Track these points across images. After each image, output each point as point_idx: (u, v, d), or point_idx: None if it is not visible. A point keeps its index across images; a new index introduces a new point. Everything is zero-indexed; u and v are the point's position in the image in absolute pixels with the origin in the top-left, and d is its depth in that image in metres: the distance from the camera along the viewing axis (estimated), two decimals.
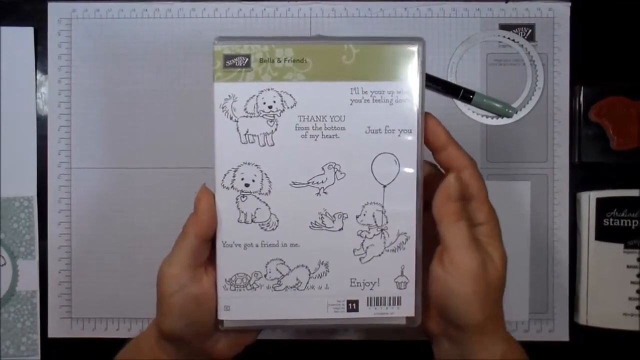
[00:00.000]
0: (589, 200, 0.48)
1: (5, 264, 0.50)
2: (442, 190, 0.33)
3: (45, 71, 0.50)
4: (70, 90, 0.50)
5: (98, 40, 0.50)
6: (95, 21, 0.50)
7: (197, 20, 0.50)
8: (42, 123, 0.50)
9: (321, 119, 0.33)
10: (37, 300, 0.50)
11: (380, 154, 0.33)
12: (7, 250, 0.50)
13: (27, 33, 0.50)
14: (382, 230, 0.34)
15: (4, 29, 0.50)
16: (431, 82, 0.49)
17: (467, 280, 0.33)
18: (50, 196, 0.50)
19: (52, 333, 0.50)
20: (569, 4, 0.49)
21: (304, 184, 0.33)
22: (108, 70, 0.50)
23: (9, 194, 0.50)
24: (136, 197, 0.50)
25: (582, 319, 0.49)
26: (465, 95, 0.49)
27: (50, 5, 0.50)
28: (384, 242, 0.34)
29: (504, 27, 0.50)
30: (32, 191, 0.50)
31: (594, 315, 0.48)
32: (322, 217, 0.34)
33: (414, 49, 0.33)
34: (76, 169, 0.50)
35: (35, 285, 0.50)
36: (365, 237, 0.34)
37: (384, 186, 0.34)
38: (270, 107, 0.33)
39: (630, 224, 0.48)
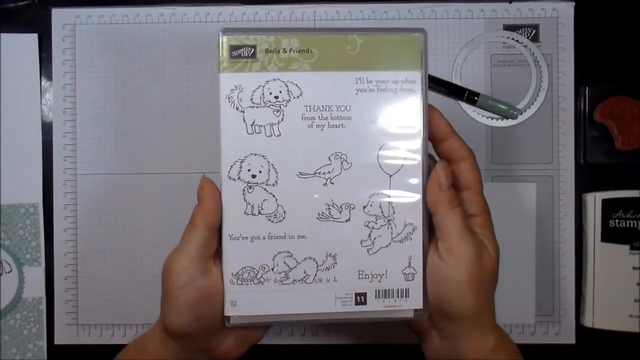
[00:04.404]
0: (594, 201, 0.48)
1: (11, 270, 0.49)
2: (432, 180, 0.33)
3: (49, 77, 0.50)
4: (75, 96, 0.50)
5: (102, 46, 0.50)
6: (99, 27, 0.50)
7: (201, 24, 0.50)
8: (47, 129, 0.50)
9: (327, 109, 0.33)
10: (43, 307, 0.50)
11: (386, 143, 0.33)
12: (12, 257, 0.49)
13: (31, 39, 0.50)
14: (389, 220, 0.34)
15: (8, 35, 0.50)
16: (435, 84, 0.49)
17: (463, 267, 0.33)
18: (56, 202, 0.50)
19: (58, 340, 0.50)
20: (573, 3, 0.49)
21: (310, 174, 0.33)
22: (112, 75, 0.50)
23: (15, 201, 0.50)
24: (142, 203, 0.50)
25: (588, 321, 0.48)
26: (470, 96, 0.49)
27: (54, 11, 0.50)
28: (391, 233, 0.34)
29: (507, 27, 0.50)
30: (38, 198, 0.50)
31: (599, 317, 0.48)
32: (329, 208, 0.33)
33: (417, 38, 0.33)
34: (82, 175, 0.50)
35: (41, 292, 0.50)
36: (373, 227, 0.34)
37: (390, 176, 0.34)
38: (276, 97, 0.33)
39: (636, 225, 0.48)
